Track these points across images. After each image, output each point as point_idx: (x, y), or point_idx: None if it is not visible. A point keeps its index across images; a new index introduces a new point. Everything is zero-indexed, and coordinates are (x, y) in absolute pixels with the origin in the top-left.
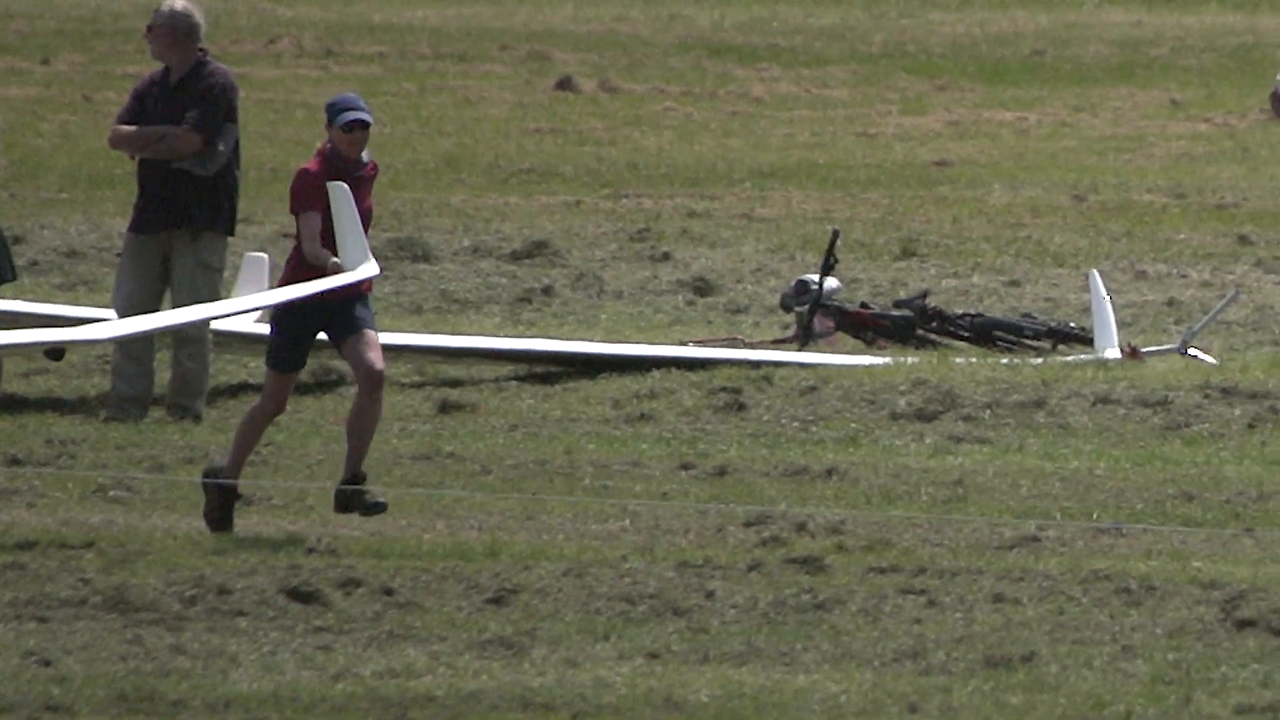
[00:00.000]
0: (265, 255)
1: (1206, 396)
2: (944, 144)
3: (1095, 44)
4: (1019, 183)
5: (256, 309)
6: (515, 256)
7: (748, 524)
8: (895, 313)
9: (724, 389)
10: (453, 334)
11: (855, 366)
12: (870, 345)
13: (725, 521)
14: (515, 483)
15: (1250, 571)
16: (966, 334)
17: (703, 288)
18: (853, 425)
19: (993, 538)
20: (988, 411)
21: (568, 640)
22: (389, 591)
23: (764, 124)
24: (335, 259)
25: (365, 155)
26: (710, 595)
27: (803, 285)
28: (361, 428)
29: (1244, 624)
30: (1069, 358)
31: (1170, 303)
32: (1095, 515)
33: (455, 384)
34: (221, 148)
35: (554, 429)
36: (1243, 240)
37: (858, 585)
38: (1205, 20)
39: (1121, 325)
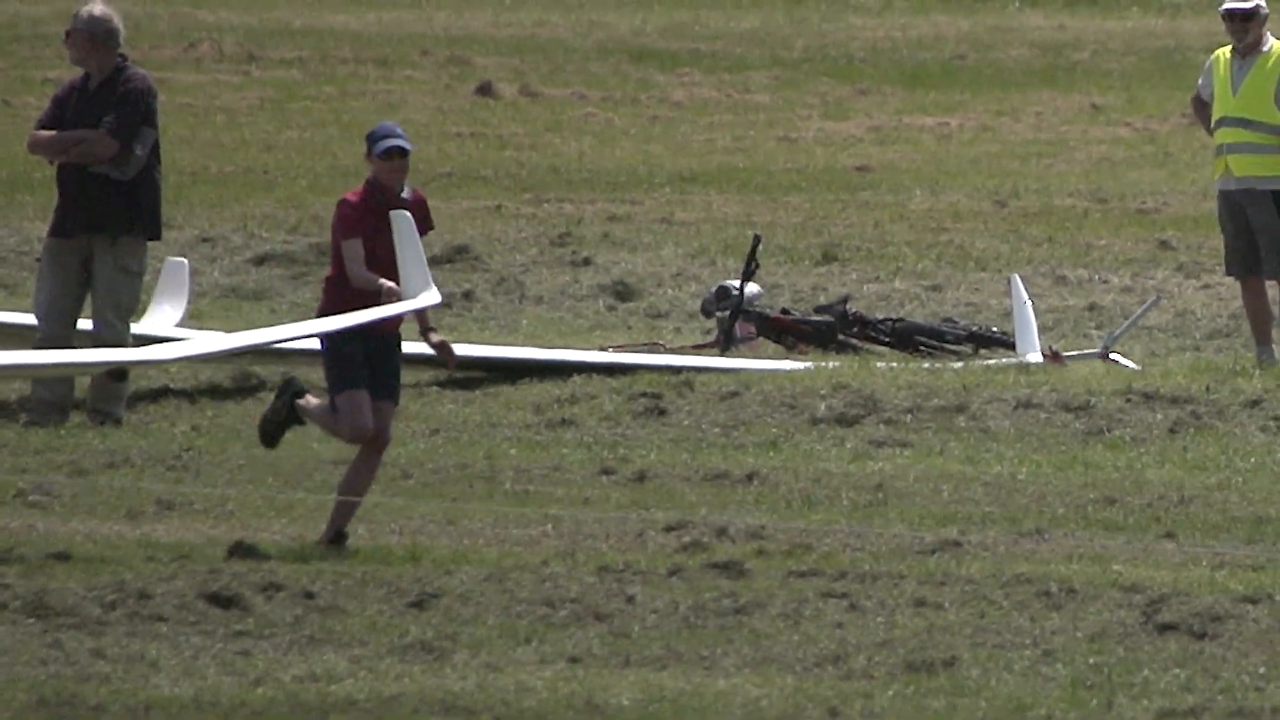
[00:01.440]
0: (185, 260)
1: (1128, 401)
2: (865, 149)
3: (1016, 48)
4: (940, 188)
5: (326, 333)
6: (436, 261)
7: (668, 529)
8: (816, 318)
9: (645, 394)
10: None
11: (776, 371)
12: (791, 350)
13: (646, 526)
14: (436, 488)
15: (1171, 575)
16: (888, 339)
17: (623, 293)
18: (773, 430)
19: (914, 542)
20: (909, 416)
21: (489, 645)
22: (310, 596)
23: (685, 129)
24: (388, 283)
25: (407, 191)
26: (631, 600)
27: (724, 290)
28: (354, 488)
29: (1165, 628)
30: (990, 362)
31: (1091, 307)
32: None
33: None
34: (139, 151)
35: (475, 434)
36: (1164, 245)
37: (778, 590)
38: (1127, 25)
39: (1043, 330)
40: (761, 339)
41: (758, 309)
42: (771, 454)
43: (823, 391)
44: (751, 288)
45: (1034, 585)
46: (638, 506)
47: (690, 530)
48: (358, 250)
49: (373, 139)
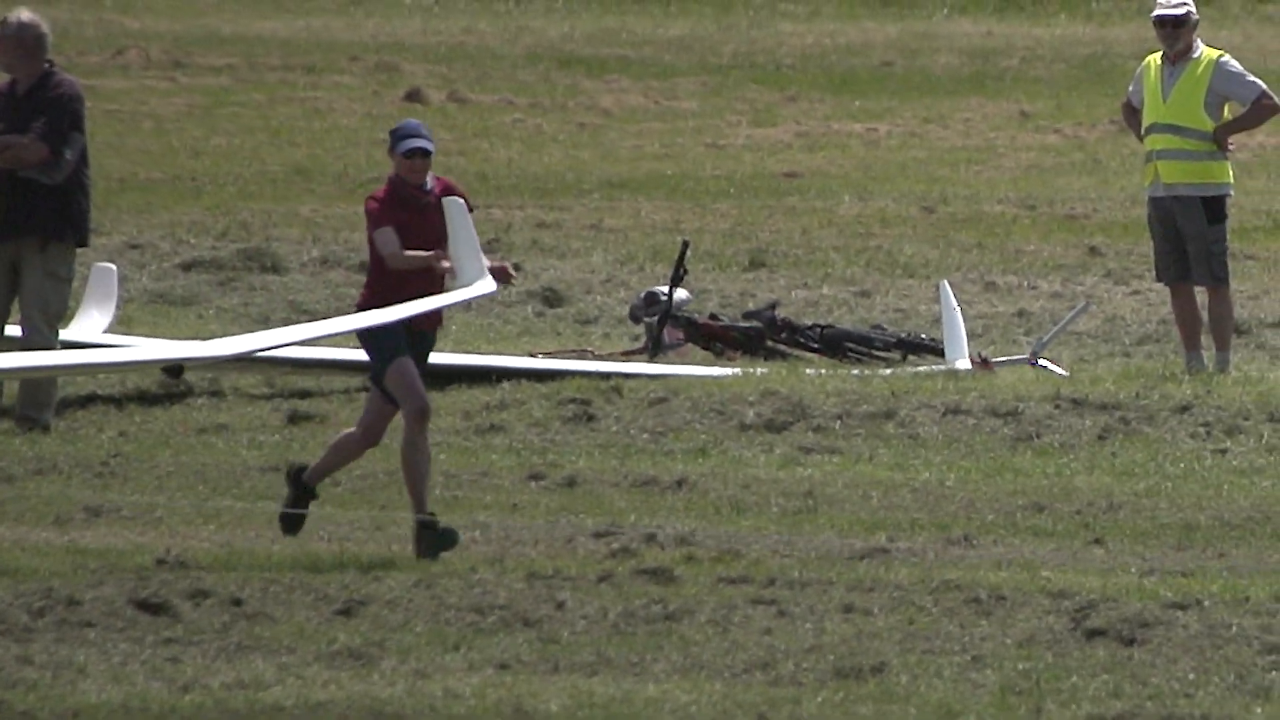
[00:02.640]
0: (114, 267)
1: (1057, 407)
2: (793, 155)
3: (945, 55)
4: (869, 194)
5: (383, 324)
6: (365, 267)
7: (597, 535)
8: (744, 324)
9: (573, 400)
10: (302, 345)
11: (705, 378)
12: (720, 356)
13: (575, 532)
14: (364, 494)
15: (1100, 582)
16: (816, 345)
17: (552, 299)
18: (702, 436)
19: (843, 549)
20: (838, 422)
21: (417, 651)
22: (238, 602)
23: (613, 135)
24: (435, 253)
25: (430, 180)
26: (560, 606)
27: (652, 296)
28: (418, 471)
29: (1093, 634)
30: (919, 369)
31: (1020, 314)
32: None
33: (305, 395)
34: (69, 156)
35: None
36: (1093, 251)
37: (707, 596)
38: (1055, 31)
39: (972, 336)
40: (690, 345)
41: (686, 315)
42: (700, 460)
43: (751, 398)
44: (680, 293)
45: (963, 592)
46: (567, 513)
47: (619, 536)
48: (391, 237)
49: (395, 137)
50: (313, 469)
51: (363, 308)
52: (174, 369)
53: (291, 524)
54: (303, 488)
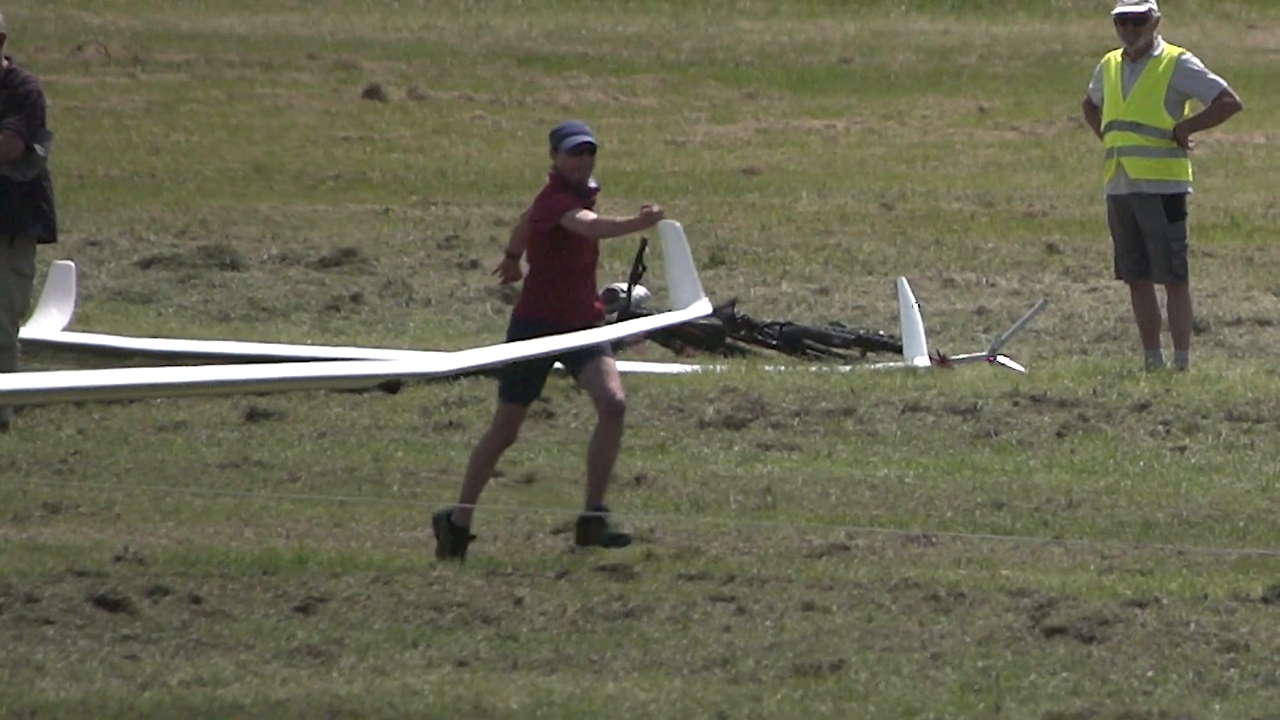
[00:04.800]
0: (73, 264)
1: (1015, 404)
2: (752, 152)
3: (903, 52)
4: (827, 191)
5: (638, 332)
6: (324, 264)
7: (556, 531)
8: (704, 321)
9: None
10: (261, 342)
11: (664, 374)
12: (679, 353)
13: (534, 529)
14: (323, 490)
15: (1059, 579)
16: (775, 342)
17: (510, 295)
18: (661, 433)
19: (802, 545)
20: (797, 419)
21: (376, 648)
22: (197, 600)
23: None
24: (647, 208)
25: (593, 182)
26: (519, 603)
27: (611, 293)
28: (602, 459)
29: (1053, 631)
30: (878, 366)
31: (979, 311)
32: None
33: (263, 392)
34: (41, 152)
35: (362, 436)
36: (1051, 249)
37: (667, 593)
38: (1013, 29)
39: (930, 333)
40: (649, 342)
41: (646, 312)
42: (659, 457)
43: (710, 395)
44: (639, 291)
45: (922, 589)
46: (526, 509)
47: None
48: (583, 213)
49: (559, 136)
50: (460, 508)
51: (521, 316)
52: (392, 385)
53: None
54: (458, 531)
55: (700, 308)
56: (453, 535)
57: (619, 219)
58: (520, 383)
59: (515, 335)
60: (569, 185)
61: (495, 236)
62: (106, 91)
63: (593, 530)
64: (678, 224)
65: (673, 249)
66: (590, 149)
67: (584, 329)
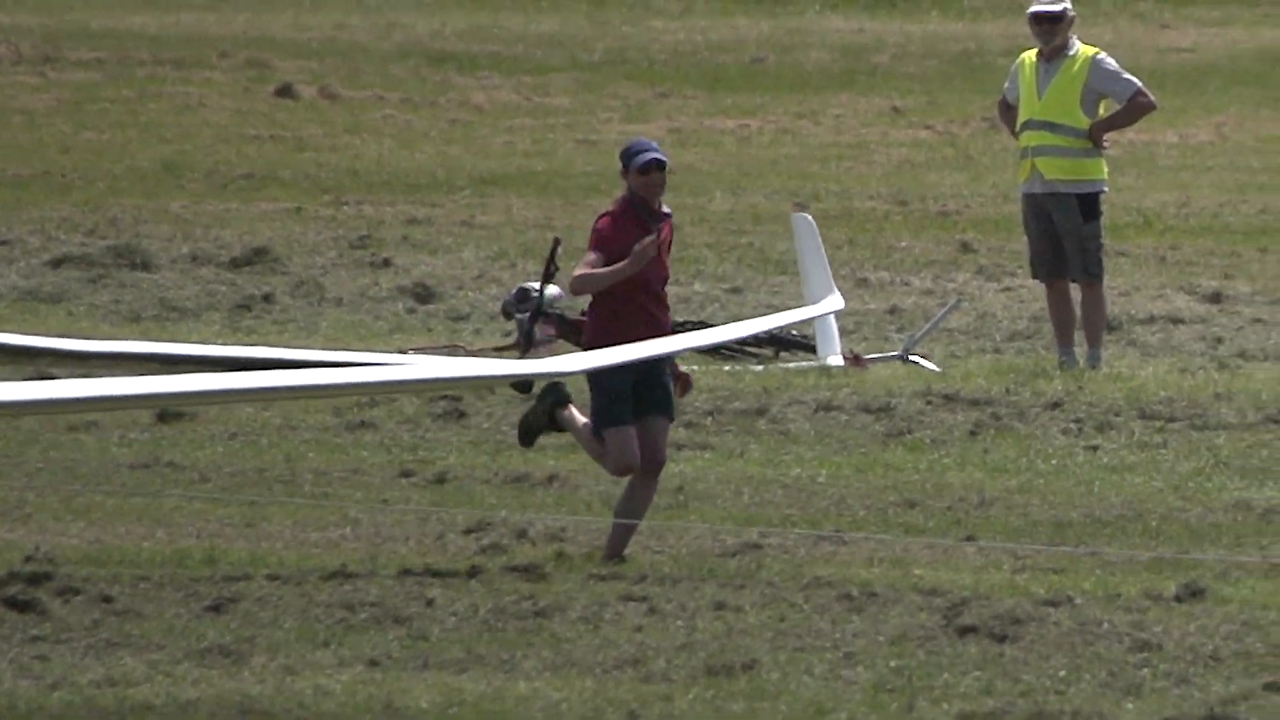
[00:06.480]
0: None
1: (929, 403)
2: (666, 151)
3: (817, 51)
4: (741, 190)
5: (727, 340)
6: (235, 264)
7: (468, 531)
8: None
9: (444, 396)
10: (172, 342)
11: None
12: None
13: (446, 529)
14: (235, 490)
15: (972, 579)
16: None
17: (423, 295)
18: None
19: (714, 545)
20: (709, 419)
21: (287, 648)
22: (107, 600)
23: (484, 131)
24: (640, 246)
25: (665, 208)
26: (430, 603)
27: (524, 293)
28: (631, 510)
29: (965, 631)
30: (791, 365)
31: (892, 310)
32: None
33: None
34: None
35: (274, 436)
36: (964, 248)
37: (578, 592)
38: (927, 28)
39: (843, 333)
40: (562, 341)
41: (558, 311)
42: (572, 456)
43: None
44: (552, 290)
45: (834, 588)
46: (438, 509)
47: (490, 532)
48: (595, 261)
49: (629, 155)
50: (574, 424)
51: (592, 333)
52: (523, 384)
53: (528, 436)
54: (552, 416)
55: (833, 302)
56: (550, 421)
57: (602, 271)
58: (616, 408)
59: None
60: (634, 210)
61: (408, 236)
62: (17, 90)
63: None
64: (809, 216)
65: (804, 242)
66: (660, 166)
67: (657, 370)
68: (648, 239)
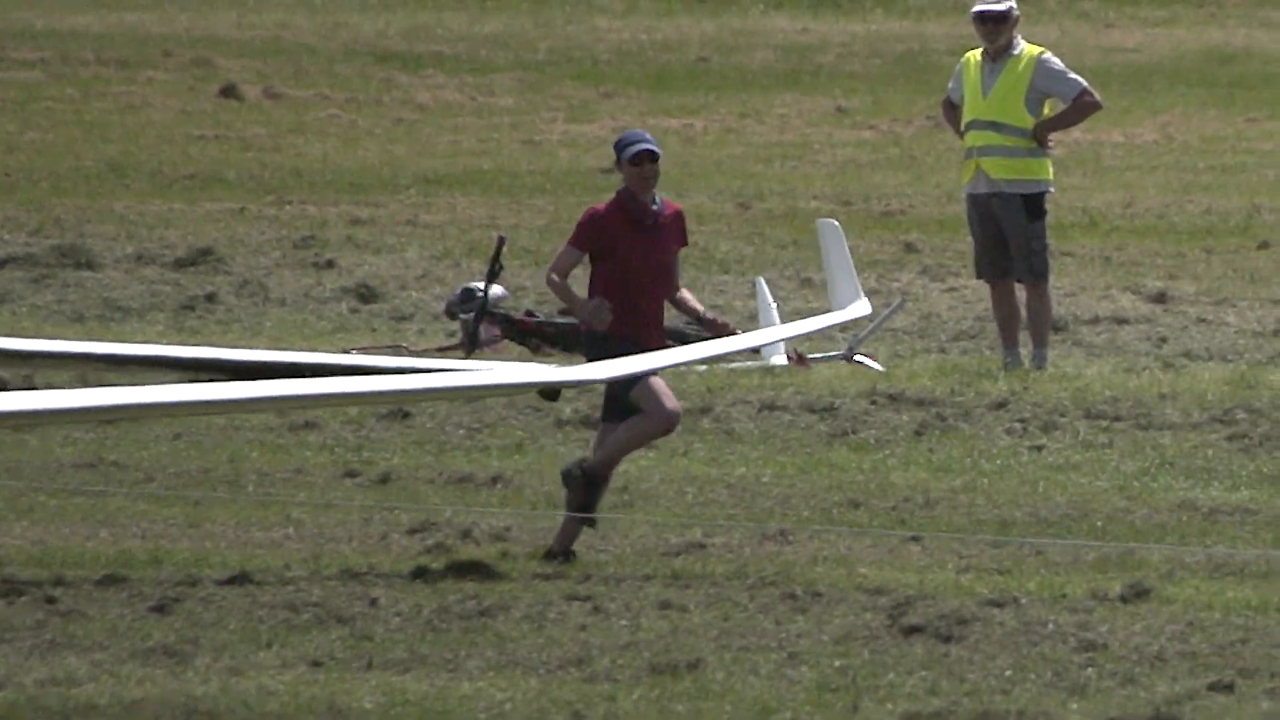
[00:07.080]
0: None
1: (873, 403)
2: (609, 151)
3: (761, 51)
4: (685, 190)
5: (763, 344)
6: (179, 264)
7: (412, 531)
8: (560, 320)
9: None
10: (116, 342)
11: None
12: (536, 352)
13: (389, 529)
14: (178, 491)
15: (917, 578)
16: None
17: (367, 295)
18: (519, 432)
19: (659, 544)
20: None
21: (231, 648)
22: (51, 600)
23: (429, 131)
24: (600, 304)
25: (659, 199)
26: (374, 603)
27: (468, 292)
28: (621, 444)
29: (911, 630)
30: (735, 365)
31: None
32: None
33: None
34: None
35: (218, 437)
36: (909, 248)
37: (522, 592)
38: (871, 28)
39: None
40: (506, 341)
41: (502, 311)
42: (516, 456)
43: (568, 393)
44: (496, 290)
45: (779, 587)
46: (381, 509)
47: (434, 533)
48: (572, 259)
49: (621, 146)
50: (603, 462)
51: (598, 334)
52: (551, 392)
53: (591, 517)
54: (591, 482)
55: (860, 308)
56: (593, 489)
57: (564, 291)
58: (614, 402)
59: (596, 354)
60: (625, 203)
61: (351, 236)
62: None
63: (571, 480)
64: (835, 222)
65: (831, 247)
66: (652, 157)
67: (655, 345)
68: (602, 307)
